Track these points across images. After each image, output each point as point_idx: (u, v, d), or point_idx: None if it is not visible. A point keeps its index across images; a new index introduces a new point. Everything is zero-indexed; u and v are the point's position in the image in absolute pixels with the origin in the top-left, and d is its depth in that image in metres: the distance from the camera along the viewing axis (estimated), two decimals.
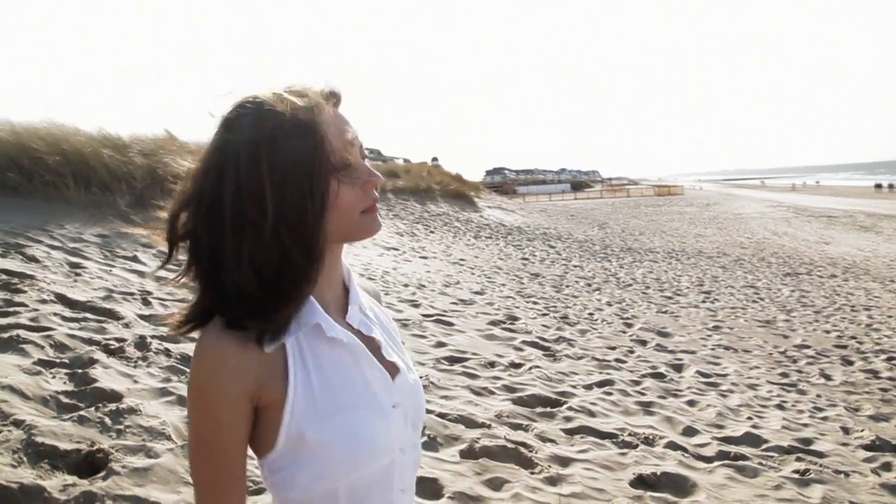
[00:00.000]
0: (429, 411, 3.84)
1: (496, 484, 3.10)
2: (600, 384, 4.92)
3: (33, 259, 5.46)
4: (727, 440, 4.10)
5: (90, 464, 2.70)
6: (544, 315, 7.41)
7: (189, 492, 2.66)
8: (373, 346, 0.95)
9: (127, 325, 4.36)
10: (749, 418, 4.64)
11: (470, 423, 3.78)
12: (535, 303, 8.12)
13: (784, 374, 6.16)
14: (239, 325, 0.83)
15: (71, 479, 2.58)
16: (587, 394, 4.64)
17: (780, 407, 5.09)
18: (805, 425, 4.65)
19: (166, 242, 0.90)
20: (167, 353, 4.01)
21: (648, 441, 3.86)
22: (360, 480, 0.91)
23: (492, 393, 4.40)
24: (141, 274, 5.86)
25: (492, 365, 5.05)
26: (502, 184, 56.73)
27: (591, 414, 4.21)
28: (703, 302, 9.57)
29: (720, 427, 4.37)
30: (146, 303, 4.98)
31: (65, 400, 3.18)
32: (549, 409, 4.18)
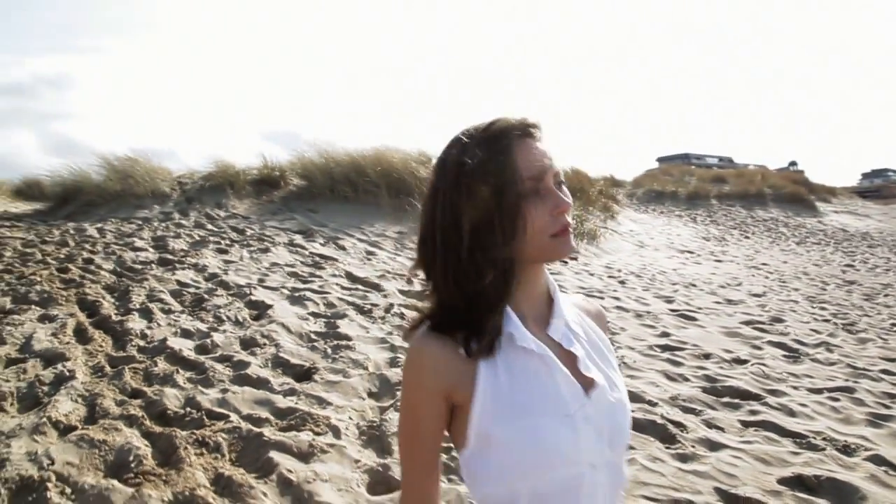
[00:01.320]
0: None
1: None
2: (833, 389, 4.22)
3: (342, 248, 7.00)
4: None
5: (305, 374, 3.63)
6: (824, 321, 6.39)
7: (359, 402, 3.38)
8: (570, 359, 0.96)
9: (385, 296, 5.38)
10: None
11: (637, 398, 3.74)
12: (822, 308, 7.00)
13: None
14: (443, 329, 0.93)
15: (288, 380, 3.52)
16: (805, 396, 4.06)
17: None
18: None
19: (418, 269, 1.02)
20: (402, 316, 4.88)
21: (845, 449, 3.29)
22: (543, 487, 0.90)
23: (686, 380, 4.20)
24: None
25: (706, 357, 4.74)
26: (881, 187, 47.06)
27: (791, 413, 3.72)
28: None
29: None
30: (409, 282, 6.01)
31: (312, 336, 4.23)
32: (738, 401, 3.84)
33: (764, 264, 10.22)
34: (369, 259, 6.81)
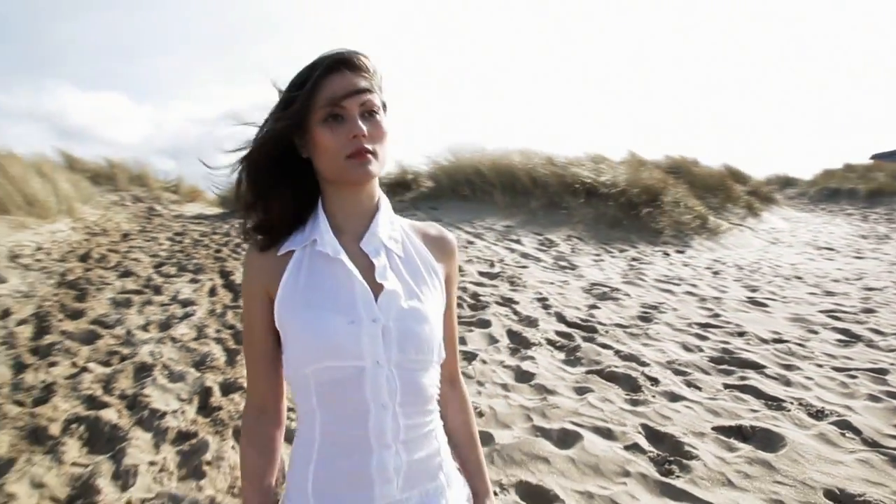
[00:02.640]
0: (606, 346, 4.32)
1: (581, 390, 3.58)
2: (862, 370, 4.14)
3: None
4: None
5: None
6: None
7: None
8: (368, 266, 1.01)
9: (462, 276, 6.17)
10: None
11: (630, 358, 4.11)
12: None
13: None
14: (249, 235, 1.04)
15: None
16: (822, 372, 4.07)
17: None
18: None
19: None
20: (464, 289, 5.60)
21: (817, 414, 3.38)
22: (327, 375, 0.97)
23: (700, 351, 4.40)
24: (511, 249, 7.63)
25: (740, 335, 4.82)
26: None
27: (787, 383, 3.82)
28: None
29: None
30: (492, 265, 6.70)
31: None
32: (735, 369, 4.01)
33: None
34: (466, 248, 7.60)
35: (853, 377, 4.01)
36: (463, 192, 10.00)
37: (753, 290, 6.59)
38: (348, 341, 0.96)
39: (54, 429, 2.93)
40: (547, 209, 9.42)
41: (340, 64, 0.99)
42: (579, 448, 2.88)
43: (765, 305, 5.89)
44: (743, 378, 3.86)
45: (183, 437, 2.90)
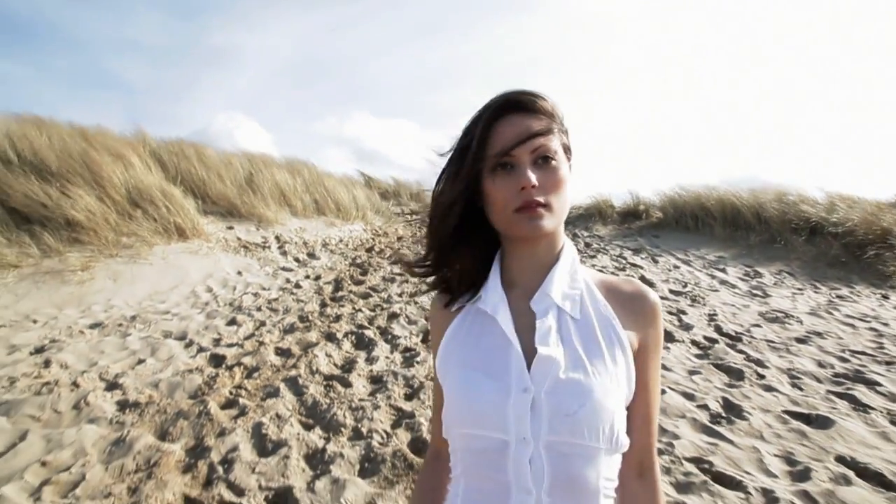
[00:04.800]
0: (740, 351, 5.03)
1: (692, 372, 4.48)
2: None
3: (655, 261, 8.75)
4: None
5: None
6: None
7: None
8: (534, 327, 0.90)
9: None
10: None
11: (754, 361, 4.79)
12: None
13: None
14: (443, 287, 1.05)
15: None
16: None
17: None
18: None
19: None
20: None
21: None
22: (471, 444, 0.88)
23: (831, 367, 4.79)
24: (713, 276, 8.19)
25: (888, 364, 4.98)
26: None
27: (894, 400, 4.17)
28: None
29: None
30: (694, 284, 7.47)
31: None
32: (848, 382, 4.35)
33: None
34: (670, 271, 8.38)
35: None
36: (686, 223, 10.61)
37: None
38: (493, 410, 0.86)
39: (339, 335, 5.20)
40: (766, 244, 9.54)
41: (508, 107, 0.91)
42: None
43: None
44: (849, 389, 4.28)
45: (407, 350, 4.90)
